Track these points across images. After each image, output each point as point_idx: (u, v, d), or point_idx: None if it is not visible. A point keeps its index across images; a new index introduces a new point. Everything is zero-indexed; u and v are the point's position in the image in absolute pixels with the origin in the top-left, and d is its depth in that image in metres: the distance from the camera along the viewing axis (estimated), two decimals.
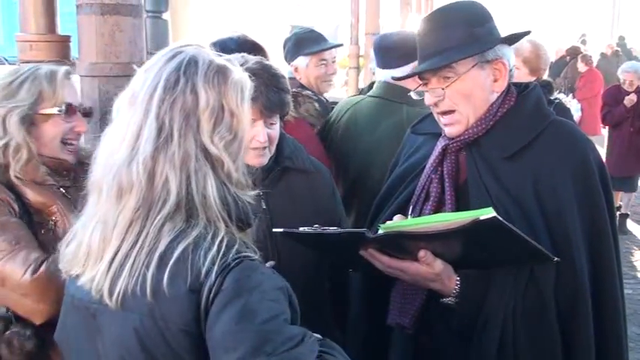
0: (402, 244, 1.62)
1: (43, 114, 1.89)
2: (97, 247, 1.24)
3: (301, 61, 3.24)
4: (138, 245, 1.20)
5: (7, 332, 1.79)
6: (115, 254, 1.21)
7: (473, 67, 1.72)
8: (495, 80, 1.77)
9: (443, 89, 1.74)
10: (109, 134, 1.28)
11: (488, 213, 1.45)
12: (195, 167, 1.22)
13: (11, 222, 1.79)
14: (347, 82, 8.67)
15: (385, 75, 2.83)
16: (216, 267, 1.16)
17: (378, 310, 1.85)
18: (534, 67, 3.61)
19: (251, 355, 1.11)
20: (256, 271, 1.20)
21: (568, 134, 1.78)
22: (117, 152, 1.23)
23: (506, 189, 1.70)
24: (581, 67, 10.73)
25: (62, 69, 1.96)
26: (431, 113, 1.87)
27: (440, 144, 1.84)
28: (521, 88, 1.85)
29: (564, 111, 3.74)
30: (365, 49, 7.41)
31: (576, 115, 8.96)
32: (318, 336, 1.38)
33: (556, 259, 1.59)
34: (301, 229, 1.61)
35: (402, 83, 2.71)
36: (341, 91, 10.21)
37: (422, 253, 1.59)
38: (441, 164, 1.81)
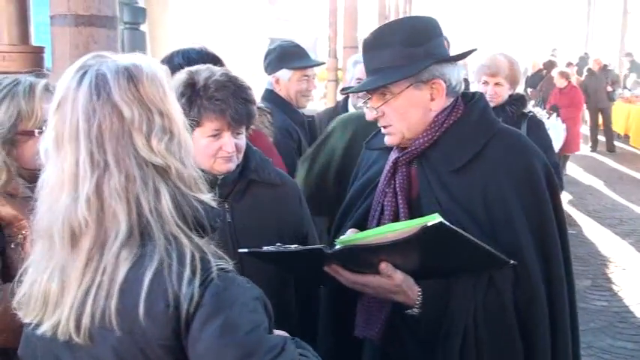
0: (362, 258, 1.65)
1: (23, 134, 1.86)
2: (55, 294, 1.20)
3: (284, 73, 3.26)
4: (97, 280, 1.17)
5: None
6: (75, 296, 1.18)
7: (408, 87, 1.79)
8: (432, 99, 1.82)
9: (377, 108, 1.83)
10: (46, 181, 1.23)
11: (434, 219, 1.49)
12: (142, 187, 1.19)
13: None
14: (326, 95, 8.69)
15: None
16: (196, 282, 1.16)
17: (346, 322, 1.87)
18: (514, 80, 3.74)
19: None
20: (233, 283, 1.21)
21: (513, 144, 1.85)
22: (60, 199, 1.19)
23: (456, 201, 1.76)
24: (561, 82, 10.55)
25: (41, 83, 1.92)
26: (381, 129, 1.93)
27: (391, 157, 1.90)
28: (469, 98, 1.91)
29: (538, 124, 3.84)
30: (343, 62, 7.45)
31: (562, 134, 8.88)
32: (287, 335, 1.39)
33: (512, 262, 1.65)
34: (264, 248, 1.64)
35: None
36: (319, 104, 10.22)
37: (383, 265, 1.64)
38: (394, 177, 1.86)
